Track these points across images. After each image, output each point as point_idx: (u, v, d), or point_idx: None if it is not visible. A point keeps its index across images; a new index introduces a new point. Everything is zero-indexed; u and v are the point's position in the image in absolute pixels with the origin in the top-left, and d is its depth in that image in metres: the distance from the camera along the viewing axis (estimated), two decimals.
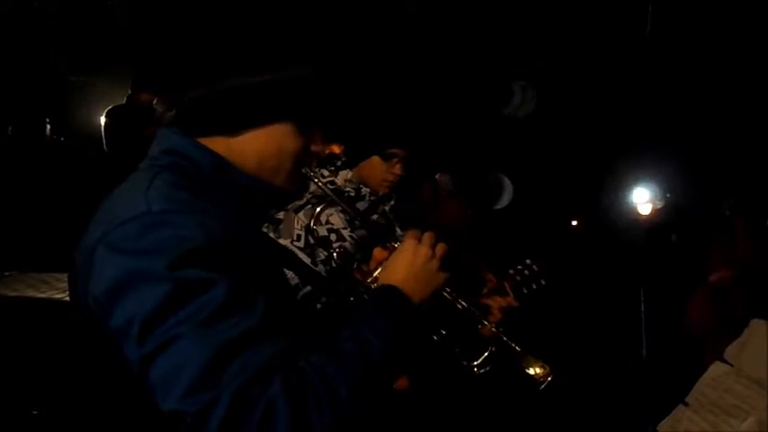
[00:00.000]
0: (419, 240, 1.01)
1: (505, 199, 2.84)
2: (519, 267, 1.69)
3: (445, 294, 1.04)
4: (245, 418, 0.72)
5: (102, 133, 4.17)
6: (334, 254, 1.16)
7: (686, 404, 1.29)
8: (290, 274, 1.52)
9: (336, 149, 1.97)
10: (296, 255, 1.60)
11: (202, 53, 0.94)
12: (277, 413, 0.72)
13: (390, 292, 0.95)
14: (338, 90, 1.00)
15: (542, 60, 5.00)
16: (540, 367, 0.98)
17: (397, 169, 1.80)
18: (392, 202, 1.85)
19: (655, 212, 5.90)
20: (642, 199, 6.05)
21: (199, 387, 0.72)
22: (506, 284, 1.65)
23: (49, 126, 5.11)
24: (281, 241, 1.65)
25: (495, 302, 1.57)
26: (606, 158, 5.94)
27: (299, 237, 1.68)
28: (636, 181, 5.97)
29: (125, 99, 4.21)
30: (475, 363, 1.06)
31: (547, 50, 4.90)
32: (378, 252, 1.09)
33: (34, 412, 2.53)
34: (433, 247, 1.00)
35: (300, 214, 1.70)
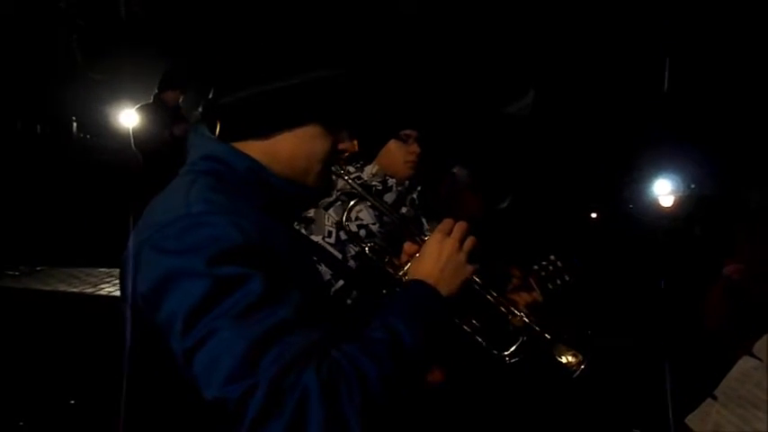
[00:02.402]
0: (449, 233, 1.04)
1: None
2: (543, 263, 1.70)
3: (475, 286, 1.05)
4: (281, 403, 0.76)
5: (130, 131, 4.25)
6: (367, 249, 1.19)
7: (714, 398, 1.30)
8: (323, 269, 1.55)
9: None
10: (328, 251, 1.64)
11: (234, 59, 0.99)
12: (311, 399, 0.77)
13: (418, 284, 0.98)
14: (362, 90, 1.03)
15: (560, 55, 4.97)
16: (573, 356, 0.99)
17: (415, 148, 1.81)
18: (419, 189, 1.86)
19: (678, 204, 5.83)
20: (664, 190, 5.98)
21: (238, 375, 0.77)
22: (531, 280, 1.66)
23: (75, 124, 5.22)
24: (314, 238, 1.69)
25: (521, 298, 1.59)
26: (627, 150, 5.89)
27: (330, 233, 1.71)
28: (658, 172, 5.90)
29: (152, 98, 4.29)
30: (506, 353, 1.07)
31: (566, 44, 4.87)
32: (408, 246, 1.12)
33: (71, 402, 2.63)
34: (462, 239, 1.03)
35: (331, 211, 1.73)
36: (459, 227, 1.04)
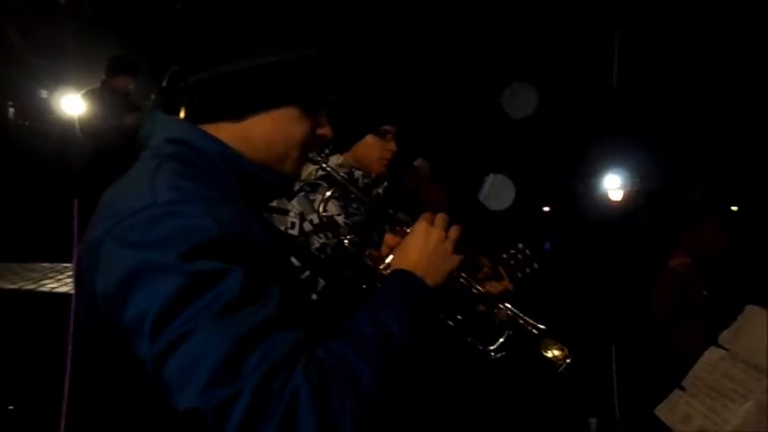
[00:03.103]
0: (432, 223, 0.99)
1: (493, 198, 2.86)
2: (512, 252, 1.70)
3: (458, 278, 1.02)
4: (268, 411, 0.69)
5: (75, 118, 4.01)
6: (346, 241, 1.14)
7: (683, 388, 1.31)
8: (292, 258, 1.49)
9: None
10: (298, 240, 1.58)
11: (202, 35, 0.90)
12: (301, 404, 0.70)
13: (404, 275, 0.93)
14: (342, 71, 0.97)
15: (517, 53, 5.03)
16: (559, 349, 0.98)
17: (392, 146, 1.79)
18: (385, 184, 1.83)
19: (626, 198, 6.02)
20: (614, 185, 6.18)
21: (218, 381, 0.69)
22: (501, 269, 1.65)
23: (12, 110, 4.90)
24: None
25: (492, 287, 1.58)
26: (578, 145, 6.04)
27: (293, 224, 1.65)
28: (608, 167, 6.09)
29: (99, 83, 4.06)
30: (492, 348, 1.05)
31: (520, 40, 4.93)
32: (389, 237, 1.08)
33: (10, 407, 2.46)
34: (447, 229, 0.99)
35: (294, 202, 1.67)
36: (442, 217, 0.99)
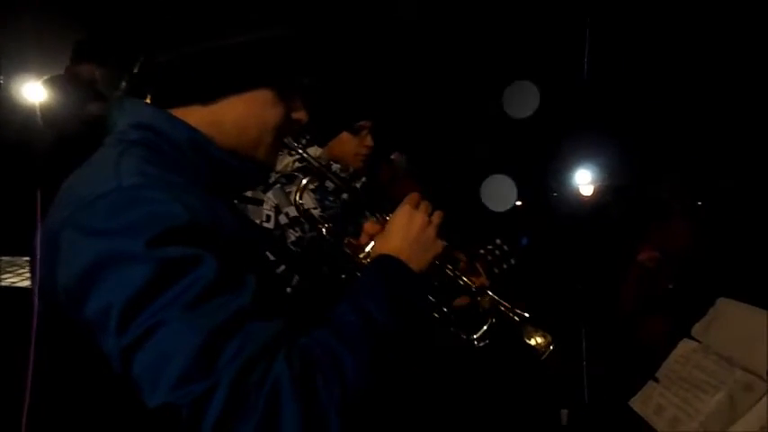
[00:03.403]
0: (416, 207, 0.97)
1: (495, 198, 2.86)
2: (489, 247, 1.70)
3: (440, 265, 1.01)
4: (248, 404, 0.66)
5: (37, 106, 3.86)
6: (324, 230, 1.11)
7: (656, 380, 1.33)
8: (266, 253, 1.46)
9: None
10: (272, 233, 1.55)
11: (167, 13, 0.85)
12: (283, 396, 0.67)
13: (387, 260, 0.91)
14: (319, 54, 0.94)
15: (485, 46, 5.04)
16: (541, 336, 0.97)
17: (368, 141, 1.78)
18: (363, 180, 1.82)
19: (597, 193, 6.13)
20: (584, 180, 6.28)
21: (192, 375, 0.66)
22: (478, 264, 1.65)
23: None
24: None
25: (471, 282, 1.58)
26: (550, 141, 6.11)
27: (268, 217, 1.62)
28: (579, 162, 6.17)
29: (64, 70, 3.90)
30: (475, 336, 1.04)
31: (491, 35, 4.94)
32: (369, 225, 1.05)
33: None
34: (431, 213, 0.97)
35: (269, 194, 1.64)
36: (426, 202, 0.98)
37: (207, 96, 0.84)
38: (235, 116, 0.85)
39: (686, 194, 3.48)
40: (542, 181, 6.49)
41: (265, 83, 0.85)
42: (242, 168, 0.88)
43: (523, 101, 5.00)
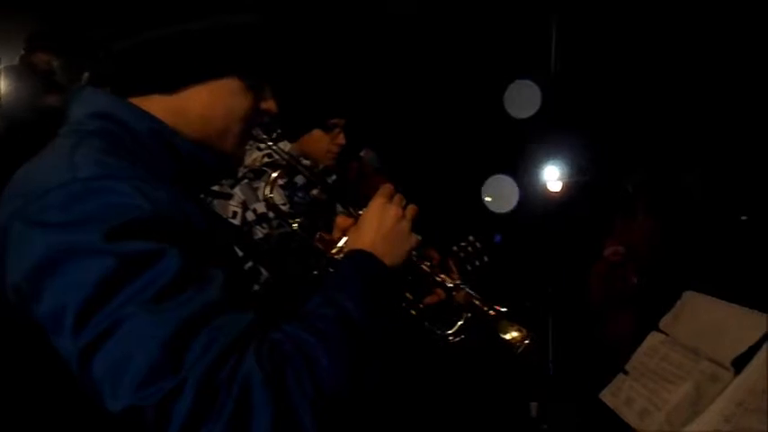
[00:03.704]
0: (389, 200, 0.95)
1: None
2: (462, 244, 1.70)
3: (415, 259, 0.99)
4: (217, 402, 0.63)
5: None
6: (295, 225, 1.08)
7: (626, 372, 1.35)
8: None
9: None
10: (238, 228, 1.51)
11: None
12: (254, 393, 0.64)
13: (361, 255, 0.89)
14: (289, 40, 0.91)
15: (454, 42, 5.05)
16: (517, 331, 0.97)
17: (340, 139, 1.77)
18: (334, 177, 1.80)
19: (565, 189, 6.22)
20: (553, 176, 6.38)
21: (157, 374, 0.62)
22: (450, 262, 1.65)
23: None
24: None
25: (446, 277, 1.57)
26: (520, 136, 6.17)
27: (234, 214, 1.59)
28: (547, 159, 6.25)
29: (18, 59, 3.75)
30: (450, 332, 1.03)
31: (460, 30, 4.95)
32: (341, 219, 1.03)
33: None
34: (404, 207, 0.95)
35: (236, 189, 1.60)
36: (399, 195, 0.96)
37: (170, 85, 0.80)
38: (200, 106, 0.82)
39: (650, 190, 3.55)
40: (512, 177, 6.55)
41: (232, 71, 0.82)
42: (208, 160, 0.84)
43: (525, 101, 5.02)
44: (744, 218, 3.83)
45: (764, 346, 1.07)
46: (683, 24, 4.35)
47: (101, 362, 0.64)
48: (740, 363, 1.11)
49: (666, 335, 1.33)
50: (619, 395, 1.31)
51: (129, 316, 0.63)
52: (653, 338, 1.35)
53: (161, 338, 0.63)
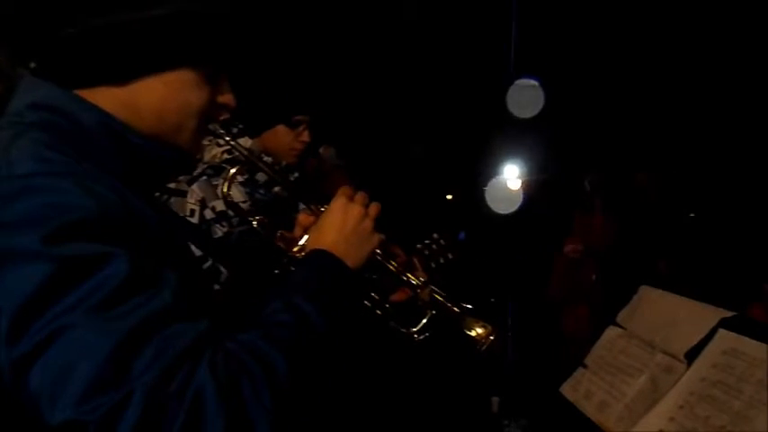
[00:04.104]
0: (351, 199, 0.93)
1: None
2: (427, 242, 1.69)
3: (379, 258, 0.98)
4: (167, 417, 0.59)
5: None
6: (255, 222, 1.05)
7: (585, 366, 1.37)
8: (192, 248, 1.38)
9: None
10: (196, 226, 1.47)
11: None
12: (207, 405, 0.61)
13: (322, 255, 0.87)
14: (248, 29, 0.88)
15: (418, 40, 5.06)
16: (482, 327, 0.97)
17: (305, 136, 1.74)
18: (296, 174, 1.77)
19: (525, 187, 6.32)
20: (513, 174, 6.48)
21: (101, 386, 0.58)
22: (415, 259, 1.64)
23: None
24: None
25: (410, 276, 1.57)
26: (480, 135, 6.24)
27: (192, 212, 1.54)
28: (507, 156, 6.35)
29: None
30: (415, 330, 1.02)
31: (420, 32, 4.97)
32: (302, 217, 1.00)
33: None
34: (366, 206, 0.94)
35: (194, 186, 1.55)
36: (362, 193, 0.94)
37: (120, 76, 0.76)
38: (153, 98, 0.77)
39: (607, 188, 3.64)
40: (473, 175, 6.62)
41: (187, 62, 0.78)
42: (161, 156, 0.80)
43: (528, 101, 5.06)
44: (692, 215, 3.98)
45: (714, 338, 1.11)
46: (639, 29, 4.46)
47: (39, 373, 0.60)
48: (693, 354, 1.14)
49: (624, 329, 1.36)
50: (578, 389, 1.34)
51: (72, 324, 0.60)
52: (611, 332, 1.38)
53: (106, 348, 0.59)
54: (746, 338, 1.07)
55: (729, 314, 1.15)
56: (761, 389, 0.97)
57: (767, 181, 3.91)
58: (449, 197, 7.17)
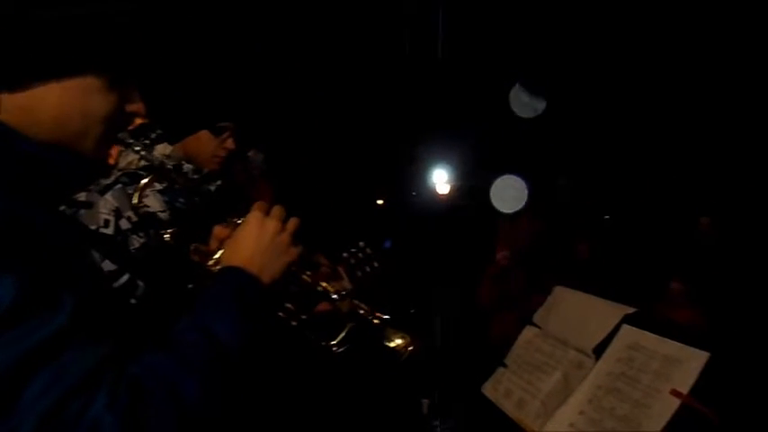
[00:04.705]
0: (267, 213, 0.92)
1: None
2: (352, 250, 1.69)
3: (297, 271, 0.97)
4: None
5: None
6: (167, 236, 1.02)
7: (505, 365, 1.43)
8: (105, 263, 1.31)
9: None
10: (108, 239, 1.39)
11: None
12: None
13: (235, 272, 0.85)
14: (158, 33, 0.84)
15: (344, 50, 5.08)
16: (401, 338, 0.98)
17: (230, 144, 1.69)
18: (219, 183, 1.72)
19: (452, 192, 6.46)
20: (441, 179, 6.61)
21: None
22: (340, 268, 1.64)
23: None
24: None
25: (330, 287, 1.56)
26: (410, 140, 6.34)
27: (107, 222, 1.46)
28: (436, 162, 6.47)
29: None
30: (334, 342, 1.02)
31: (347, 38, 5.00)
32: (219, 230, 0.98)
33: None
34: (284, 220, 0.93)
35: (108, 196, 1.47)
36: (278, 207, 0.93)
37: (14, 82, 0.71)
38: (52, 105, 0.73)
39: (531, 193, 3.78)
40: (402, 181, 6.70)
41: (89, 68, 0.74)
42: (61, 164, 0.75)
43: (529, 101, 5.09)
44: (607, 217, 4.22)
45: (618, 333, 1.19)
46: (566, 35, 4.60)
47: None
48: (600, 349, 1.22)
49: (540, 328, 1.43)
50: (498, 388, 1.39)
51: None
52: (528, 332, 1.44)
53: None
54: (647, 332, 1.15)
55: (632, 311, 1.23)
56: (656, 378, 1.05)
57: (680, 184, 4.19)
58: (380, 202, 7.23)
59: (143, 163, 1.55)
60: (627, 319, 1.22)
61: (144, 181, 1.02)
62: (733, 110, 4.14)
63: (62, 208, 1.39)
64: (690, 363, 1.02)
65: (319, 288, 1.03)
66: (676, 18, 4.04)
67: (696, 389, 1.01)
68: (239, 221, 0.93)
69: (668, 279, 2.58)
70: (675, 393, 1.01)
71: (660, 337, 1.12)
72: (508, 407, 1.32)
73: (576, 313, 1.35)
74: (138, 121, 1.49)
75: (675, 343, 1.08)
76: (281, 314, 1.01)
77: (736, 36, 3.90)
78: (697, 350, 1.04)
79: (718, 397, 1.01)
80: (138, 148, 0.92)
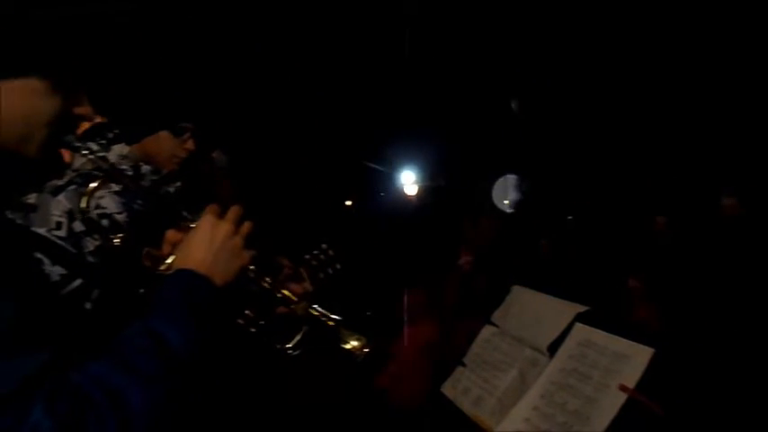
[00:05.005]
0: (219, 216, 0.92)
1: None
2: (315, 252, 1.69)
3: (250, 274, 0.97)
4: None
5: None
6: (116, 241, 1.00)
7: (464, 365, 1.45)
8: (51, 268, 1.28)
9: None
10: (58, 244, 1.36)
11: None
12: None
13: (187, 275, 0.85)
14: (107, 38, 0.83)
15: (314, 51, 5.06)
16: (357, 340, 0.98)
17: (190, 144, 1.67)
18: (178, 184, 1.70)
19: (420, 194, 6.50)
20: (409, 180, 6.64)
21: None
22: (302, 270, 1.64)
23: None
24: (36, 230, 1.38)
25: (292, 290, 1.55)
26: (378, 141, 6.35)
27: (59, 225, 1.42)
28: (405, 163, 6.50)
29: None
30: (289, 345, 1.01)
31: (317, 38, 4.98)
32: (171, 234, 0.97)
33: None
34: (237, 222, 0.92)
35: (61, 197, 1.44)
36: (234, 210, 0.93)
37: None
38: None
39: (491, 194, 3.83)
40: (370, 181, 6.70)
41: (31, 71, 0.73)
42: (8, 167, 0.74)
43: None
44: (570, 218, 4.30)
45: (571, 331, 1.22)
46: (526, 36, 4.66)
47: None
48: (554, 347, 1.25)
49: (497, 327, 1.45)
50: (457, 386, 1.41)
51: None
52: (486, 331, 1.46)
53: None
54: (597, 330, 1.18)
55: (584, 309, 1.26)
56: (606, 374, 1.08)
57: (636, 184, 4.29)
58: (348, 203, 7.22)
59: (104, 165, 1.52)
60: (579, 318, 1.26)
61: (93, 185, 1.00)
62: (687, 111, 4.28)
63: (10, 213, 1.35)
64: (636, 358, 1.06)
65: (279, 295, 1.02)
66: (637, 19, 4.15)
67: (643, 383, 1.04)
68: (193, 225, 0.92)
69: (626, 277, 2.65)
70: (623, 388, 1.04)
71: (610, 335, 1.15)
72: (465, 405, 1.34)
73: (532, 312, 1.37)
74: (86, 124, 1.47)
75: (624, 339, 1.11)
76: (240, 321, 1.01)
77: (692, 38, 4.03)
78: (643, 346, 1.07)
79: (664, 391, 1.05)
80: (85, 152, 0.90)
